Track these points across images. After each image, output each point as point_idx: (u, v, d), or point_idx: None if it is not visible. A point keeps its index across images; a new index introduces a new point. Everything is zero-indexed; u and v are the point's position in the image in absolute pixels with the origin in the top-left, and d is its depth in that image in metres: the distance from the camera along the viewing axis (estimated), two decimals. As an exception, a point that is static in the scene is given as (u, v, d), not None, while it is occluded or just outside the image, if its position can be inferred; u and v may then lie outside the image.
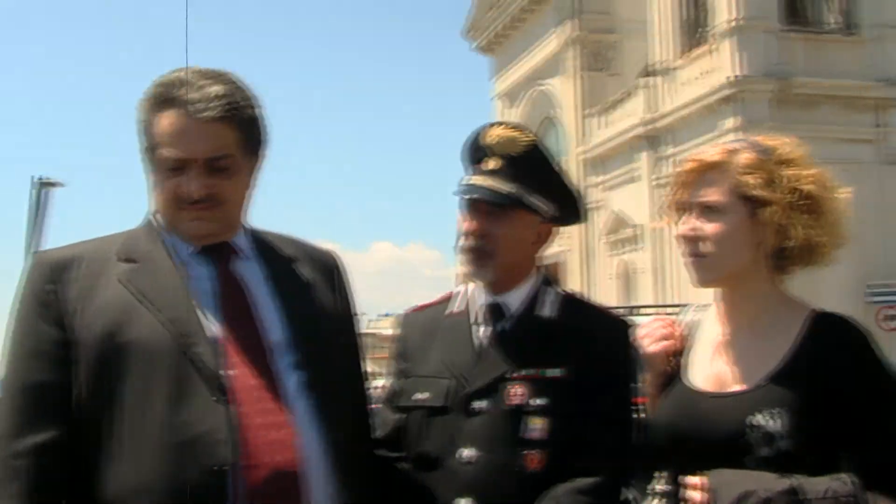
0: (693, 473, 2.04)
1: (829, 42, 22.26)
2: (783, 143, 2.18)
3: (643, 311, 10.37)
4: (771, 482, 1.94)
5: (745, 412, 2.03)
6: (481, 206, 2.40)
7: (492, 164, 2.41)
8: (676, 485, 2.11)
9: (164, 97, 2.12)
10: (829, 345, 2.05)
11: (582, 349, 2.34)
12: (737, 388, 2.10)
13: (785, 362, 2.07)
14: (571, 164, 27.24)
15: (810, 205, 2.09)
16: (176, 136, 2.09)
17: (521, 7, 31.54)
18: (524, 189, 2.39)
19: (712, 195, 2.13)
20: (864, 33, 21.97)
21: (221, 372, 2.01)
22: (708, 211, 2.14)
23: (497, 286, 2.44)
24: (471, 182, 2.43)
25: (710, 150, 2.19)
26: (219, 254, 2.19)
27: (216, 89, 2.11)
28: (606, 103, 26.77)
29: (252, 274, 2.21)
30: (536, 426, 2.28)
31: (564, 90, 29.15)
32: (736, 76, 20.69)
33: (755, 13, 20.97)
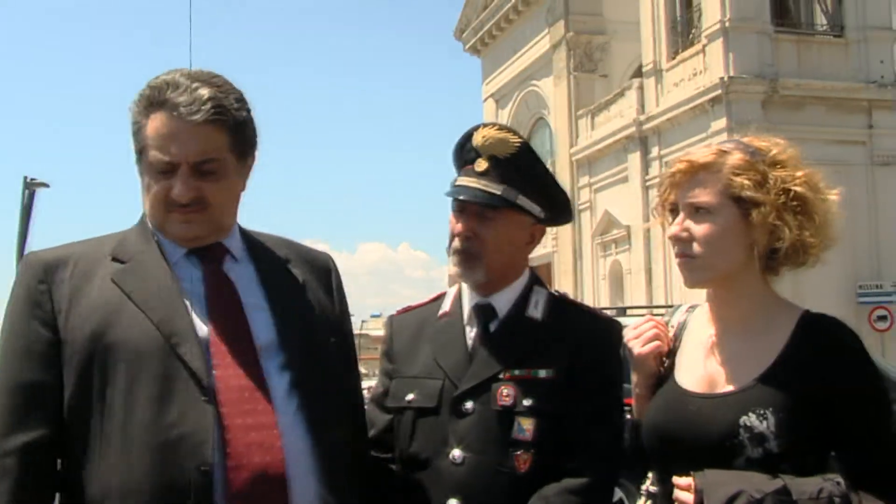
0: (683, 474, 2.04)
1: (820, 44, 22.32)
2: (774, 144, 2.18)
3: (634, 311, 10.36)
4: (762, 482, 1.94)
5: (736, 413, 2.03)
6: (472, 208, 2.40)
7: (481, 165, 2.41)
8: (667, 485, 2.11)
9: (154, 100, 2.12)
10: (820, 346, 2.05)
11: (572, 350, 2.34)
12: (727, 388, 2.10)
13: (775, 363, 2.07)
14: (562, 165, 27.28)
15: (801, 206, 2.09)
16: (164, 138, 2.09)
17: (512, 8, 31.55)
18: (514, 190, 2.38)
19: (703, 196, 2.13)
20: (852, 35, 22.03)
21: (207, 372, 2.01)
22: (699, 212, 2.13)
23: (487, 287, 2.44)
24: (461, 184, 2.42)
25: (701, 151, 2.19)
26: (210, 255, 2.19)
27: (205, 92, 2.10)
28: (596, 105, 26.80)
29: (243, 275, 2.21)
30: (526, 427, 2.28)
31: (554, 92, 29.16)
32: (725, 77, 20.71)
33: (745, 14, 21.02)
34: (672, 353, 2.27)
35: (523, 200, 2.40)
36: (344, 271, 2.47)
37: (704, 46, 21.71)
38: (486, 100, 35.09)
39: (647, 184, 23.23)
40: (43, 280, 2.10)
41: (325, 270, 2.38)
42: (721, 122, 20.57)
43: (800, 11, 22.91)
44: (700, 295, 2.29)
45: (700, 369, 2.18)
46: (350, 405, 2.30)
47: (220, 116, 2.10)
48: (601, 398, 2.33)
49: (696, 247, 2.13)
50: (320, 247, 2.48)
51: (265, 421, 2.02)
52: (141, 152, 2.14)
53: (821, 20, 22.85)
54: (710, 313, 2.24)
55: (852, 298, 20.63)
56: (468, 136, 2.45)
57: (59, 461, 2.04)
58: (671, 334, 2.30)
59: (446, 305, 2.53)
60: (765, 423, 2.00)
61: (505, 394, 2.30)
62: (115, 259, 2.14)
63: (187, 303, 2.09)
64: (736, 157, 2.13)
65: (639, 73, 25.16)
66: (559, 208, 2.51)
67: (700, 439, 2.06)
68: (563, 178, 25.06)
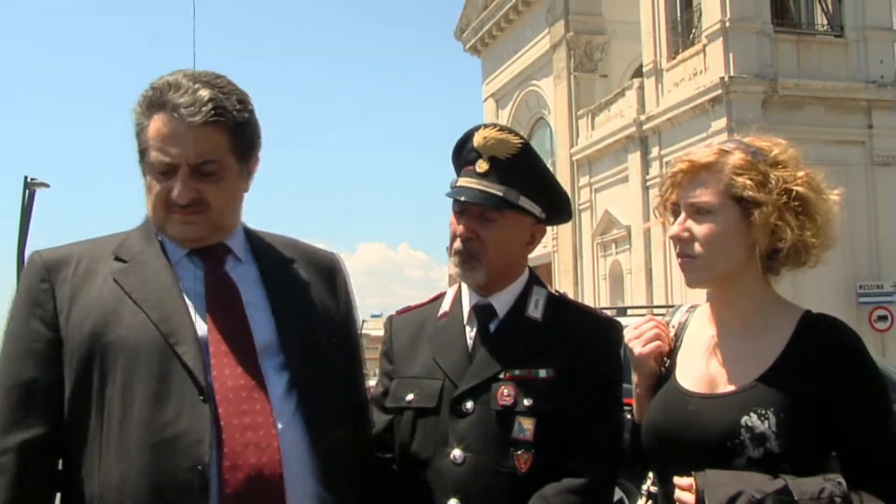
0: (683, 474, 2.04)
1: (819, 44, 22.31)
2: (776, 144, 2.17)
3: (634, 311, 10.37)
4: (763, 483, 1.93)
5: (737, 413, 2.03)
6: (473, 209, 2.40)
7: (482, 166, 2.41)
8: (667, 485, 2.11)
9: (155, 101, 2.12)
10: (820, 346, 2.05)
11: (572, 350, 2.34)
12: (728, 388, 2.10)
13: (776, 363, 2.07)
14: (562, 165, 27.27)
15: (803, 206, 2.09)
16: (165, 139, 2.09)
17: (512, 8, 31.54)
18: (515, 191, 2.38)
19: (704, 196, 2.13)
20: (852, 35, 22.02)
21: (205, 372, 2.01)
22: (700, 212, 2.13)
23: (487, 287, 2.44)
24: (462, 185, 2.42)
25: (702, 151, 2.19)
26: (212, 255, 2.20)
27: (206, 93, 2.10)
28: (596, 104, 26.79)
29: (245, 275, 2.21)
30: (526, 427, 2.28)
31: (554, 91, 29.15)
32: (725, 77, 20.70)
33: (745, 14, 21.01)
34: (672, 354, 2.27)
35: (524, 201, 2.39)
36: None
37: (704, 46, 21.70)
38: (486, 100, 35.08)
39: (648, 184, 23.22)
40: (45, 279, 2.11)
41: (330, 270, 2.38)
42: (721, 122, 20.56)
43: (800, 11, 22.89)
44: (700, 295, 2.28)
45: (701, 369, 2.18)
46: (351, 405, 2.30)
47: (220, 118, 2.10)
48: (601, 398, 2.33)
49: (697, 247, 2.13)
50: (321, 246, 2.47)
51: (262, 421, 2.02)
52: (143, 153, 2.14)
53: (820, 20, 22.83)
54: (711, 313, 2.24)
55: (852, 298, 20.63)
56: (468, 137, 2.45)
57: (59, 460, 2.05)
58: (671, 334, 2.30)
59: (446, 305, 2.53)
60: (766, 423, 2.00)
61: (505, 394, 2.30)
62: (116, 258, 2.15)
63: (187, 302, 2.10)
64: (737, 157, 2.13)
65: (639, 73, 25.15)
66: (559, 208, 2.51)
67: (700, 439, 2.06)
68: (563, 178, 25.06)
